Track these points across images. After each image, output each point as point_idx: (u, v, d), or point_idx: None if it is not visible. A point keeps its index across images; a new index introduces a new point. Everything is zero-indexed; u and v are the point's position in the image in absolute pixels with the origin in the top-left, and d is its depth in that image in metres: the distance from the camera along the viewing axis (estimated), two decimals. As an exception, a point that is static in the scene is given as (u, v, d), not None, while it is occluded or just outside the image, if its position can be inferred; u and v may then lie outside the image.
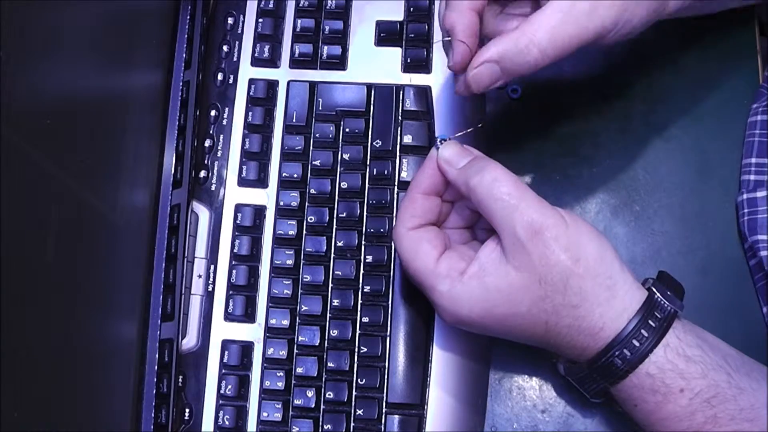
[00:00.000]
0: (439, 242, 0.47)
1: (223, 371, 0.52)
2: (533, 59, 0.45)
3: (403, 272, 0.52)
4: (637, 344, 0.43)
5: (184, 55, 0.54)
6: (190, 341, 0.53)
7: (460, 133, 0.49)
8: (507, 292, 0.44)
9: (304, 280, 0.53)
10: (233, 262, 0.54)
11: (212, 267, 0.54)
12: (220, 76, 0.57)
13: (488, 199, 0.44)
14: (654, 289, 0.44)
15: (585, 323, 0.44)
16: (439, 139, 0.47)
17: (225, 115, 0.56)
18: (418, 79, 0.56)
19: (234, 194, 0.55)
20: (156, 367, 0.50)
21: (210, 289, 0.54)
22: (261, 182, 0.55)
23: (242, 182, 0.55)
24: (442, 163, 0.47)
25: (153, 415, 0.49)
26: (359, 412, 0.51)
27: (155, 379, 0.49)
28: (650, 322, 0.43)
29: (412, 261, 0.46)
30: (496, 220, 0.44)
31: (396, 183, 0.54)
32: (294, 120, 0.55)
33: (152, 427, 0.49)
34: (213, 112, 0.56)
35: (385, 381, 0.51)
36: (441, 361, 0.51)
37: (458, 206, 0.49)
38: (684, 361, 0.43)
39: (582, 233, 0.44)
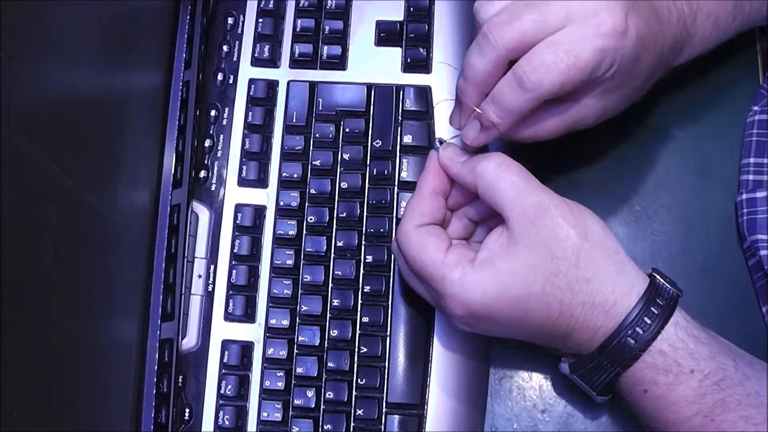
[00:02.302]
0: (446, 237, 0.47)
1: (223, 371, 0.52)
2: (527, 141, 0.48)
3: (402, 276, 0.52)
4: (648, 321, 0.43)
5: (184, 55, 0.54)
6: (190, 341, 0.53)
7: (458, 134, 0.49)
8: (520, 271, 0.44)
9: (304, 280, 0.53)
10: (233, 262, 0.54)
11: (212, 267, 0.54)
12: (220, 76, 0.57)
13: (495, 181, 0.45)
14: (656, 275, 0.45)
15: (598, 298, 0.44)
16: (437, 141, 0.49)
17: (225, 115, 0.56)
18: (419, 79, 0.56)
19: (234, 194, 0.55)
20: (156, 367, 0.50)
21: (210, 289, 0.54)
22: (261, 182, 0.55)
23: (242, 182, 0.55)
24: (444, 160, 0.47)
25: (153, 415, 0.49)
26: (359, 412, 0.51)
27: (155, 379, 0.49)
28: (658, 301, 0.44)
29: (420, 255, 0.46)
30: (504, 202, 0.44)
31: (396, 183, 0.54)
32: (294, 120, 0.55)
33: (152, 427, 0.49)
34: (213, 112, 0.56)
35: (385, 381, 0.51)
36: (441, 361, 0.51)
37: (457, 215, 0.49)
38: (693, 341, 0.44)
39: (585, 214, 0.45)
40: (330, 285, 0.53)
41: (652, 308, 0.44)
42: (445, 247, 0.46)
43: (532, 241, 0.44)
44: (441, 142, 0.48)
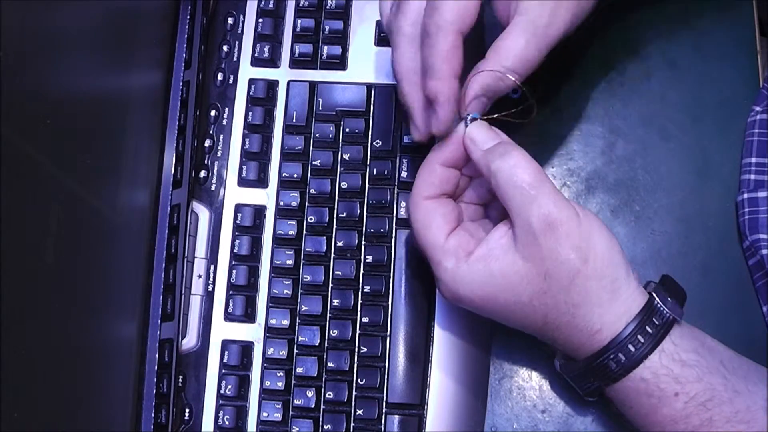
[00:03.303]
0: (453, 217, 0.47)
1: (223, 371, 0.52)
2: (512, 83, 0.46)
3: (402, 270, 0.52)
4: (632, 349, 0.43)
5: (184, 55, 0.54)
6: (190, 341, 0.53)
7: (493, 116, 0.48)
8: (511, 280, 0.44)
9: (304, 280, 0.53)
10: (233, 262, 0.54)
11: (212, 267, 0.54)
12: (220, 76, 0.57)
13: (507, 185, 0.44)
14: (654, 295, 0.44)
15: (583, 323, 0.44)
16: (469, 117, 0.47)
17: (225, 115, 0.56)
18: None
19: (234, 194, 0.55)
20: (156, 367, 0.50)
21: (210, 289, 0.54)
22: (261, 182, 0.55)
23: (242, 182, 0.55)
24: (467, 142, 0.46)
25: (153, 415, 0.49)
26: (359, 412, 0.51)
27: (155, 379, 0.49)
28: (647, 329, 0.43)
29: (423, 232, 0.46)
30: (512, 207, 0.44)
31: (396, 183, 0.54)
32: (294, 120, 0.55)
33: (152, 427, 0.49)
34: (213, 112, 0.56)
35: (385, 381, 0.51)
36: (441, 361, 0.51)
37: (476, 182, 0.49)
38: (679, 366, 0.43)
39: (593, 232, 0.44)
40: (330, 285, 0.53)
41: (639, 336, 0.43)
42: (448, 230, 0.46)
43: (531, 255, 0.43)
44: (474, 119, 0.47)
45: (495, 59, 0.46)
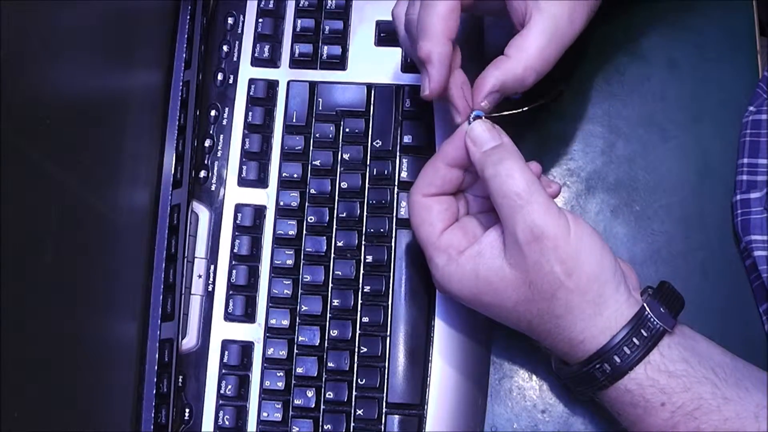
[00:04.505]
0: (449, 214, 0.47)
1: (223, 371, 0.52)
2: (531, 81, 0.46)
3: (403, 270, 0.52)
4: (618, 360, 0.43)
5: (184, 55, 0.54)
6: (190, 341, 0.53)
7: (496, 114, 0.48)
8: (496, 285, 0.44)
9: (304, 280, 0.53)
10: (233, 262, 0.54)
11: (212, 267, 0.54)
12: (220, 76, 0.57)
13: (497, 194, 0.44)
14: (646, 306, 0.44)
15: (566, 333, 0.44)
16: (473, 116, 0.46)
17: (225, 115, 0.56)
18: (419, 79, 0.56)
19: (234, 194, 0.55)
20: (156, 367, 0.50)
21: (210, 289, 0.54)
22: (261, 182, 0.55)
23: (242, 182, 0.55)
24: (468, 142, 0.46)
25: (153, 415, 0.49)
26: (359, 412, 0.51)
27: (155, 379, 0.49)
28: (634, 340, 0.43)
29: (418, 228, 0.47)
30: (502, 216, 0.44)
31: (396, 183, 0.54)
32: (294, 120, 0.55)
33: (152, 427, 0.49)
34: (213, 112, 0.56)
35: (385, 381, 0.51)
36: (441, 361, 0.51)
37: None
38: (666, 377, 0.43)
39: (583, 245, 0.43)
40: (330, 285, 0.53)
41: (625, 348, 0.43)
42: (443, 227, 0.46)
43: (516, 263, 0.43)
44: (477, 117, 0.46)
45: (518, 57, 0.46)
